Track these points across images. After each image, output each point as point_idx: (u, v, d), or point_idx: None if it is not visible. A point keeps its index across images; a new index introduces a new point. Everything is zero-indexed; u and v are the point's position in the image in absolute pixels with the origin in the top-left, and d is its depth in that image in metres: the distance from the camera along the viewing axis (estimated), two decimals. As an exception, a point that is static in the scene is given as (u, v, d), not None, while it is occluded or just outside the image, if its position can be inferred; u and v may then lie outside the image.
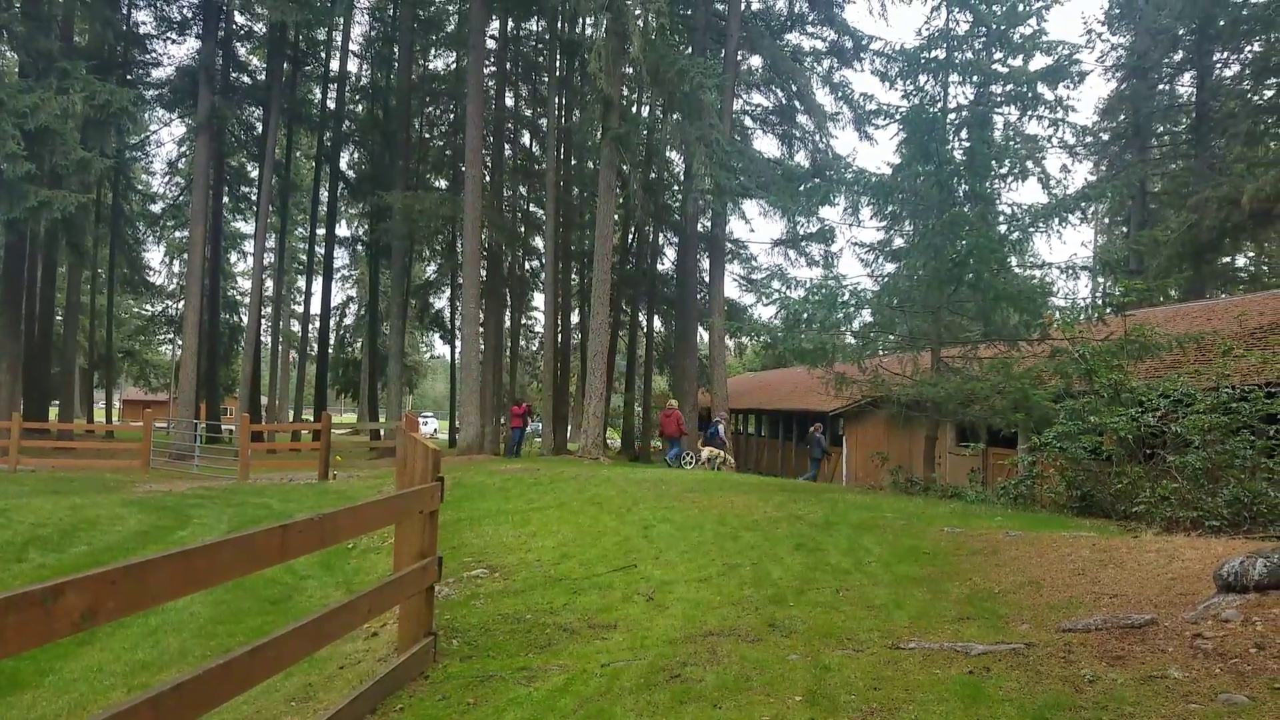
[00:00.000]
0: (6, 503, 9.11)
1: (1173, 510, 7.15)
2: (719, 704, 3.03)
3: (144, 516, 8.97)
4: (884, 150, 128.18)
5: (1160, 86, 27.45)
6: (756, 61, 26.40)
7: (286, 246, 36.63)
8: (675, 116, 20.07)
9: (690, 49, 21.79)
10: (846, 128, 27.11)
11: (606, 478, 11.38)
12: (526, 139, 31.47)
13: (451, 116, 31.01)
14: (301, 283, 38.23)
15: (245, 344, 27.28)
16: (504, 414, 25.93)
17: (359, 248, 36.17)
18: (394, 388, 27.62)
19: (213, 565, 2.30)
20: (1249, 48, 23.30)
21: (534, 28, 28.66)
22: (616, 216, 23.79)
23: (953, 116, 22.14)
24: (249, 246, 34.88)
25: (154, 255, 54.78)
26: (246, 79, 29.41)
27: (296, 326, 42.10)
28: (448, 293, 33.90)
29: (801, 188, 19.67)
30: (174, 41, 29.47)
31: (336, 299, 39.05)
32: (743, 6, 23.09)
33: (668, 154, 27.21)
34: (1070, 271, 13.88)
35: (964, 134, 21.28)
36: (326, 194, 31.29)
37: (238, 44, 28.88)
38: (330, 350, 33.80)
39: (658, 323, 32.03)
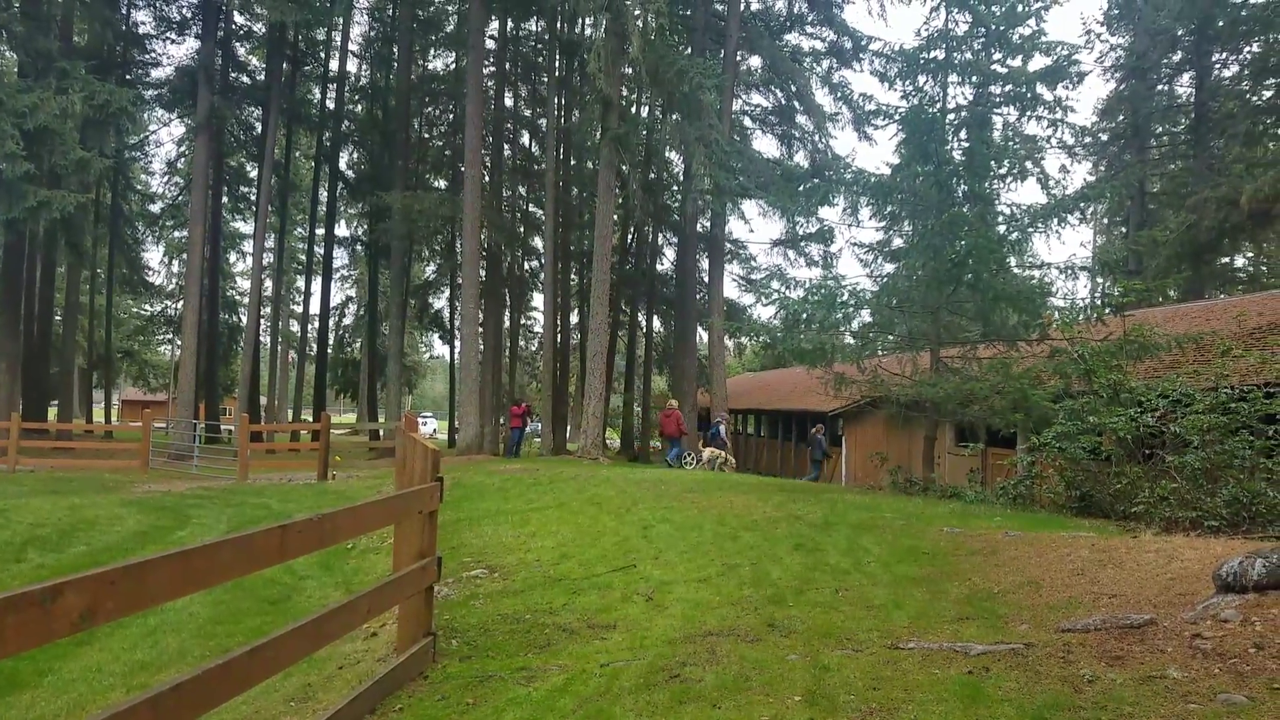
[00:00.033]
0: (5, 503, 9.11)
1: (1172, 510, 7.15)
2: (718, 704, 3.03)
3: (143, 517, 8.96)
4: (883, 151, 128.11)
5: (1159, 87, 27.46)
6: (756, 62, 26.42)
7: (286, 246, 36.61)
8: (675, 117, 20.08)
9: (689, 49, 21.79)
10: (846, 128, 27.17)
11: (606, 478, 11.37)
12: (526, 139, 31.50)
13: (451, 116, 31.01)
14: (301, 283, 38.24)
15: (244, 344, 27.28)
16: (503, 414, 25.92)
17: (358, 248, 36.18)
18: (393, 388, 27.60)
19: (212, 565, 2.30)
20: (1248, 48, 23.31)
21: (533, 28, 28.67)
22: (616, 217, 23.79)
23: (952, 117, 22.17)
24: (248, 246, 34.86)
25: (153, 255, 54.84)
26: (246, 79, 29.41)
27: (296, 326, 42.09)
28: (447, 293, 33.89)
29: (801, 188, 19.68)
30: (173, 41, 29.47)
31: (336, 299, 39.16)
32: (742, 7, 23.10)
33: (667, 154, 27.22)
34: (1069, 272, 13.91)
35: (963, 134, 21.32)
36: (326, 194, 31.27)
37: (237, 44, 28.87)
38: (329, 350, 33.79)
39: (657, 323, 32.05)
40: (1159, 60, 26.20)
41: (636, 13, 17.40)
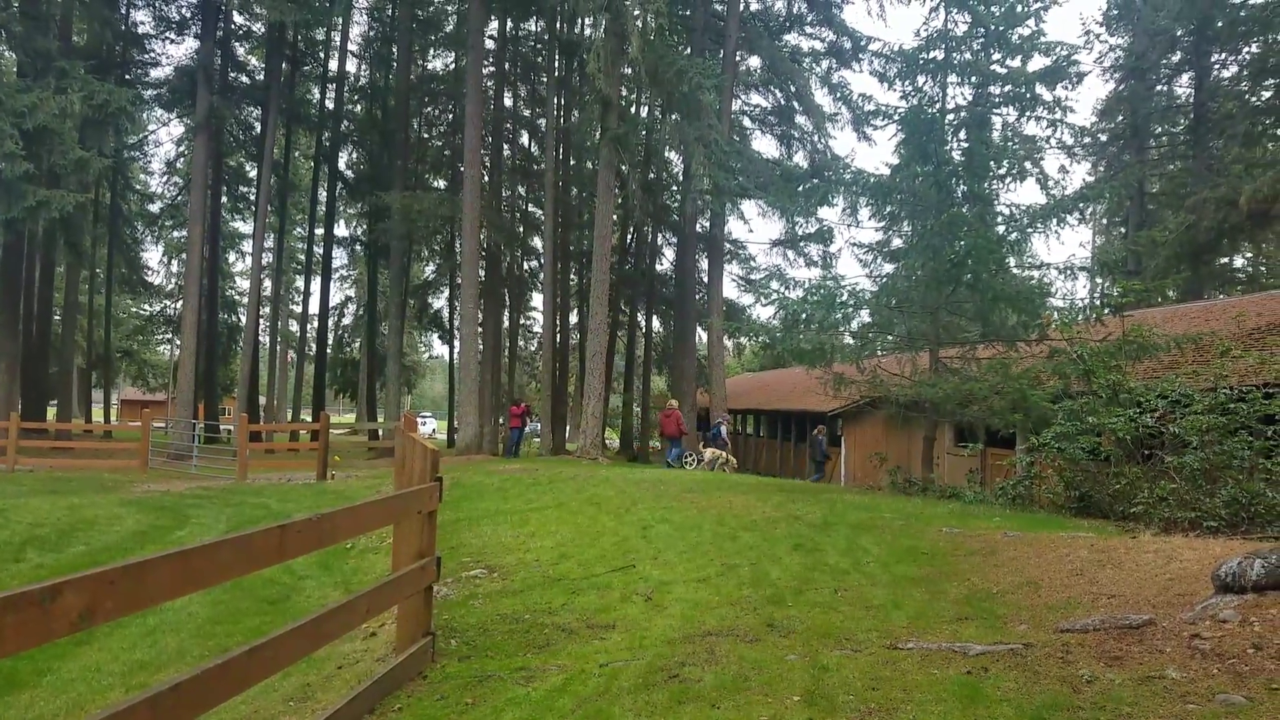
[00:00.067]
0: (4, 503, 9.10)
1: (1171, 511, 7.16)
2: (717, 704, 3.03)
3: (142, 516, 8.96)
4: (882, 151, 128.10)
5: (1158, 87, 27.49)
6: (755, 62, 26.42)
7: (285, 246, 36.61)
8: (674, 117, 20.08)
9: (689, 49, 21.80)
10: (845, 128, 27.17)
11: (605, 478, 11.37)
12: (525, 139, 31.49)
13: (450, 116, 31.01)
14: (300, 283, 38.22)
15: (243, 344, 27.29)
16: (503, 414, 25.92)
17: (357, 248, 36.17)
18: (392, 388, 27.59)
19: (211, 565, 2.30)
20: (1247, 49, 23.33)
21: (533, 28, 28.68)
22: (615, 217, 23.79)
23: (951, 117, 22.19)
24: (247, 246, 34.83)
25: (152, 255, 54.88)
26: (245, 79, 29.40)
27: (295, 326, 42.08)
28: (446, 293, 33.90)
29: (800, 188, 19.72)
30: (172, 41, 29.44)
31: (335, 299, 39.15)
32: (741, 7, 23.11)
33: (666, 154, 27.23)
34: (1068, 272, 13.92)
35: (962, 135, 21.34)
36: (325, 194, 31.26)
37: (236, 44, 28.88)
38: (329, 350, 33.79)
39: (656, 323, 32.06)
40: (1158, 61, 26.22)
41: (636, 13, 17.40)
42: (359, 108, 33.06)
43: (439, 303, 35.43)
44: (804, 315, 13.07)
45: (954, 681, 3.09)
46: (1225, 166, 22.49)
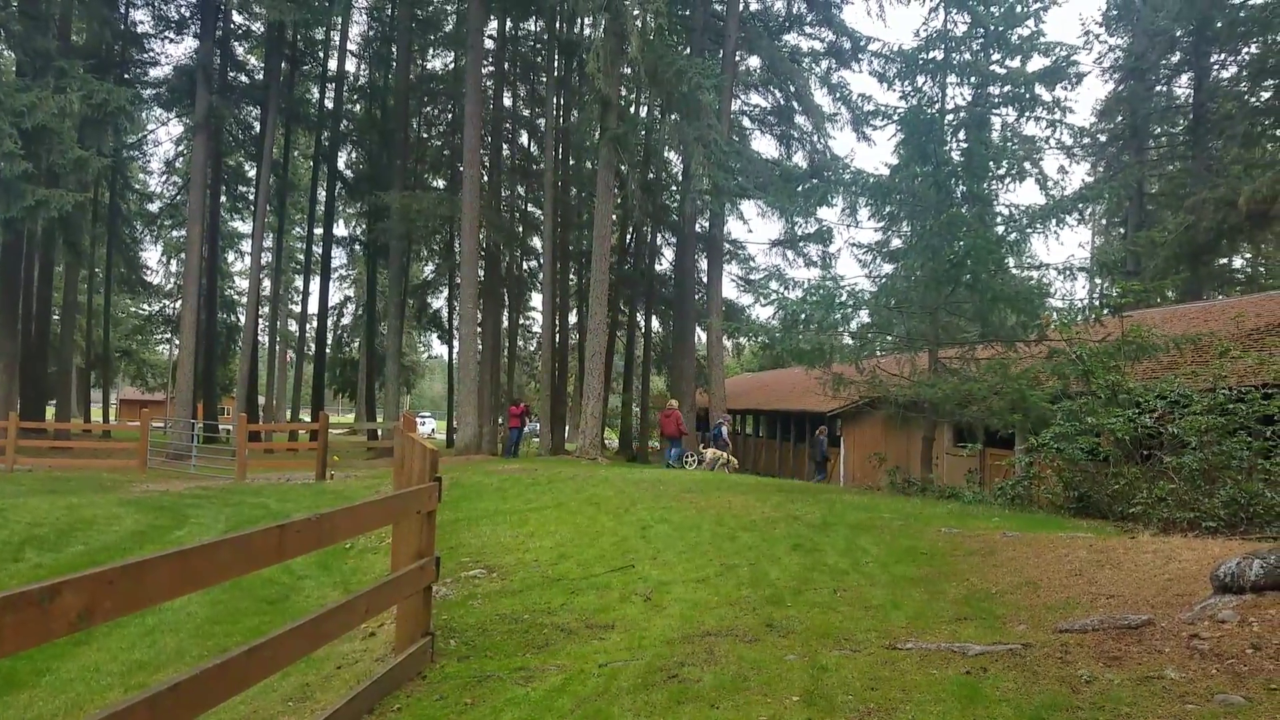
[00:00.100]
0: (3, 502, 9.09)
1: (1170, 511, 7.16)
2: (716, 704, 3.03)
3: (141, 516, 8.95)
4: (882, 151, 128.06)
5: (1158, 88, 27.50)
6: (755, 62, 26.42)
7: (284, 246, 36.60)
8: (673, 117, 20.09)
9: (688, 49, 21.81)
10: (844, 128, 27.19)
11: (604, 478, 11.37)
12: (525, 139, 31.49)
13: (449, 116, 31.01)
14: (299, 282, 38.20)
15: (242, 344, 27.26)
16: (502, 414, 25.92)
17: (357, 247, 36.15)
18: (391, 388, 27.58)
19: (210, 565, 2.30)
20: (1246, 49, 23.35)
21: (532, 27, 28.68)
22: (614, 217, 23.79)
23: (950, 117, 22.21)
24: (246, 246, 34.82)
25: (151, 255, 54.75)
26: (244, 78, 29.39)
27: (294, 326, 42.08)
28: (445, 292, 33.88)
29: (799, 188, 19.73)
30: (172, 41, 29.47)
31: (334, 299, 39.10)
32: (741, 7, 23.12)
33: (666, 154, 27.23)
34: (1068, 272, 13.93)
35: (962, 135, 21.35)
36: (324, 193, 31.25)
37: (235, 43, 28.87)
38: (328, 350, 33.77)
39: (655, 323, 32.06)
40: (1157, 61, 26.24)
41: (635, 13, 17.41)
42: (358, 107, 33.06)
43: (438, 303, 35.45)
44: (803, 315, 13.07)
45: (953, 681, 3.09)
46: (1224, 167, 22.50)
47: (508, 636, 4.51)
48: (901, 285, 13.63)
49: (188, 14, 26.93)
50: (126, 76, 26.11)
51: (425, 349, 53.79)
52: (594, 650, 4.09)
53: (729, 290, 30.38)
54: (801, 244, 26.22)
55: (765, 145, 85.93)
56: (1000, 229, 13.22)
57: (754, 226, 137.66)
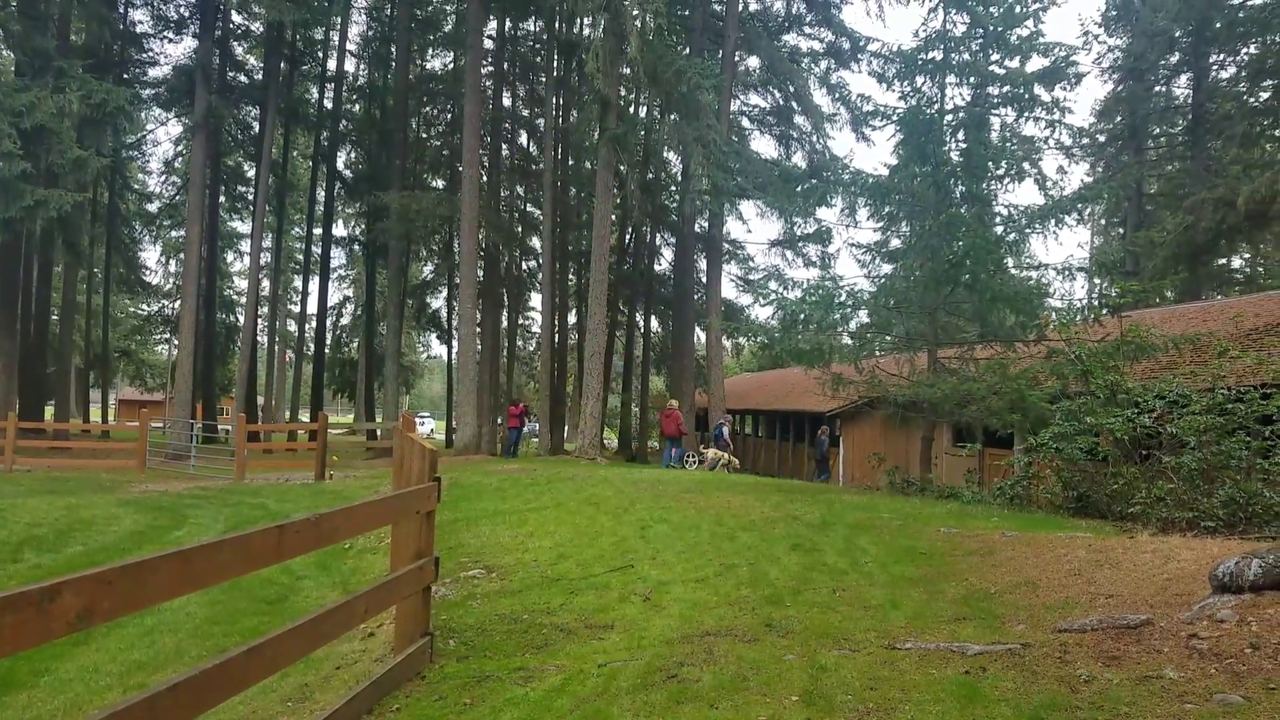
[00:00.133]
0: (2, 503, 9.09)
1: (1168, 511, 7.17)
2: (716, 704, 3.03)
3: (140, 517, 8.95)
4: (881, 151, 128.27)
5: (1157, 88, 27.52)
6: (754, 62, 26.43)
7: (283, 246, 36.58)
8: (673, 117, 20.09)
9: (688, 49, 21.81)
10: (844, 129, 27.17)
11: (604, 478, 11.37)
12: (524, 139, 31.50)
13: (449, 116, 31.01)
14: (298, 282, 38.21)
15: (242, 344, 27.25)
16: (501, 414, 25.91)
17: (356, 247, 36.15)
18: (391, 388, 27.58)
19: (209, 565, 2.30)
20: (1245, 50, 23.36)
21: (531, 27, 28.68)
22: (614, 217, 23.80)
23: (950, 118, 22.18)
24: (245, 246, 34.82)
25: (150, 255, 54.85)
26: (243, 78, 29.39)
27: (293, 326, 42.06)
28: (445, 293, 33.88)
29: (799, 188, 19.73)
30: (171, 40, 29.49)
31: (333, 299, 39.11)
32: (740, 7, 23.12)
33: (665, 154, 27.23)
34: (1066, 273, 13.93)
35: (961, 135, 21.32)
36: (323, 193, 31.24)
37: (235, 43, 28.87)
38: (327, 350, 33.76)
39: (655, 323, 32.07)
40: (1156, 61, 26.26)
41: (635, 13, 17.41)
42: (357, 107, 33.05)
43: (437, 303, 35.45)
44: (802, 315, 13.07)
45: (952, 681, 3.09)
46: (1223, 167, 22.52)
47: (507, 637, 4.50)
48: (900, 285, 13.64)
49: (187, 14, 26.93)
50: (125, 76, 26.12)
51: (424, 349, 53.81)
52: (593, 650, 4.09)
53: (728, 290, 30.40)
54: (801, 244, 26.22)
55: (764, 145, 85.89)
56: (999, 229, 13.23)
57: (753, 227, 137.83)
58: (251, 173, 31.27)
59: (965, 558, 5.63)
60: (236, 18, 27.81)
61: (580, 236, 28.48)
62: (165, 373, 39.56)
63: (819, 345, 13.09)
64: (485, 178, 26.33)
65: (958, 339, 13.38)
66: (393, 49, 28.88)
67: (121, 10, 26.75)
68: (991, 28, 21.81)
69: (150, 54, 28.22)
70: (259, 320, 30.49)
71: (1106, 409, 8.95)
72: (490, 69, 26.49)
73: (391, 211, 23.14)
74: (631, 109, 25.68)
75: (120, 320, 38.78)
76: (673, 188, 27.78)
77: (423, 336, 45.42)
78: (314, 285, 32.48)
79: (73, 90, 18.43)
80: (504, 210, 28.26)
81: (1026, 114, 23.37)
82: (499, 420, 26.27)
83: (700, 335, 25.68)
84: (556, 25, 24.95)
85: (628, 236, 30.01)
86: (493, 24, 25.88)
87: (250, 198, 30.36)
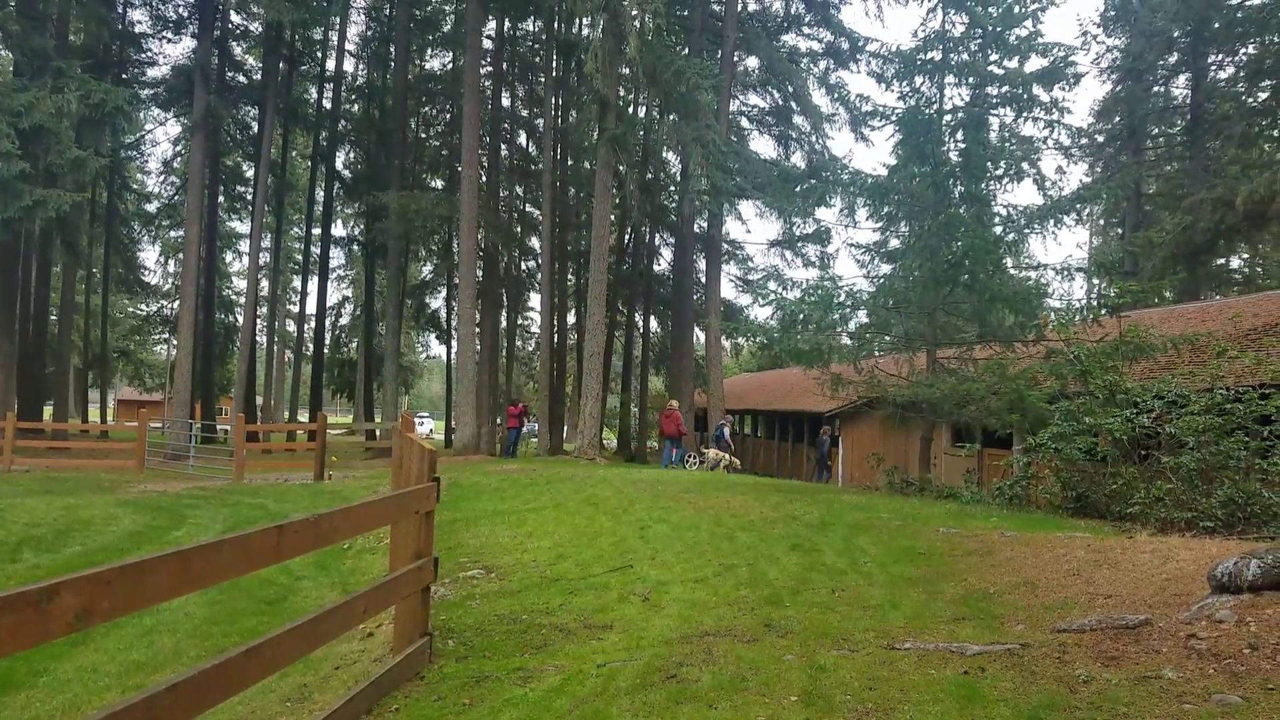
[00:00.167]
0: (0, 503, 9.08)
1: (1167, 511, 7.17)
2: (715, 704, 3.03)
3: (138, 517, 8.94)
4: (880, 151, 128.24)
5: (1155, 88, 27.55)
6: (753, 62, 26.43)
7: (282, 246, 36.55)
8: (672, 117, 20.09)
9: (687, 50, 21.80)
10: (843, 129, 27.19)
11: (603, 478, 11.37)
12: (523, 139, 31.49)
13: (448, 116, 31.00)
14: (297, 283, 38.20)
15: (240, 344, 27.22)
16: (500, 414, 25.90)
17: (355, 248, 36.13)
18: (390, 388, 27.56)
19: (208, 566, 2.30)
20: (1243, 50, 23.39)
21: (530, 28, 28.67)
22: (613, 217, 23.79)
23: (948, 118, 22.14)
24: (244, 246, 34.83)
25: (149, 255, 54.61)
26: (242, 78, 29.39)
27: (292, 326, 42.05)
28: (444, 293, 33.88)
29: (798, 189, 19.73)
30: (169, 40, 29.47)
31: (332, 299, 39.10)
32: (739, 7, 23.12)
33: (664, 154, 27.25)
34: (1065, 273, 13.93)
35: (960, 135, 21.27)
36: (322, 194, 31.24)
37: (233, 43, 28.86)
38: (326, 350, 33.75)
39: (654, 323, 32.07)
40: (1155, 62, 26.28)
41: (634, 13, 17.40)
42: (356, 107, 33.04)
43: (436, 303, 35.44)
44: (801, 316, 13.07)
45: (951, 681, 3.09)
46: (1222, 167, 22.53)
47: (506, 637, 4.50)
48: (899, 285, 13.63)
49: (185, 14, 26.92)
50: (124, 76, 26.09)
51: (423, 349, 53.79)
52: (592, 650, 4.09)
53: (727, 290, 30.44)
54: (800, 244, 26.22)
55: (763, 145, 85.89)
56: (998, 229, 13.23)
57: (752, 227, 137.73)
58: (250, 173, 31.26)
59: (964, 558, 5.63)
60: (235, 18, 27.81)
61: (579, 236, 28.48)
62: (164, 373, 39.55)
63: (818, 345, 13.09)
64: (484, 178, 26.32)
65: (957, 339, 13.38)
66: (391, 49, 28.89)
67: (120, 10, 26.72)
68: (990, 28, 21.80)
69: (149, 54, 28.23)
70: (258, 320, 30.47)
71: (1105, 409, 8.95)
72: (489, 69, 26.47)
73: (390, 211, 23.14)
74: (630, 109, 25.68)
75: (119, 320, 38.77)
76: (672, 188, 27.78)
77: (422, 336, 45.41)
78: (313, 285, 32.51)
79: (71, 90, 18.40)
80: (503, 210, 28.26)
81: (1025, 114, 23.36)
82: (498, 420, 26.26)
83: (699, 335, 25.69)
84: (555, 25, 24.95)
85: (627, 236, 30.01)
86: (492, 24, 25.87)
87: (249, 198, 30.34)
